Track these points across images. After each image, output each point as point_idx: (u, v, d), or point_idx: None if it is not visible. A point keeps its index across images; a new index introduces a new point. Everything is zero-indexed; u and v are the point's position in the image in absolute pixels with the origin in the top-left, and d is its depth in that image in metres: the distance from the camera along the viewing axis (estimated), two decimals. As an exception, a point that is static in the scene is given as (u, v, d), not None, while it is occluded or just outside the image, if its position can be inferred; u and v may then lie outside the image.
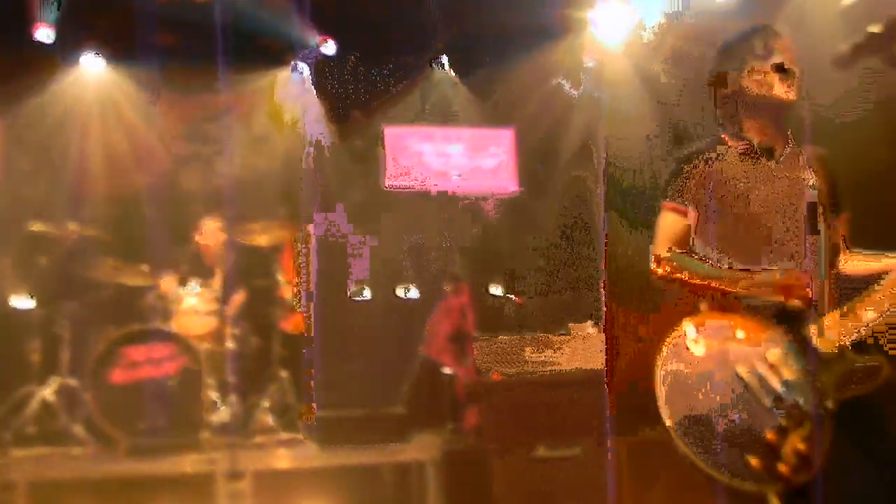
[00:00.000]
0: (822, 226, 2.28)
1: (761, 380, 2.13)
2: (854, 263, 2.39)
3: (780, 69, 2.31)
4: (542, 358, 4.86)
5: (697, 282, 2.32)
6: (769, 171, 2.38)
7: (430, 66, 7.22)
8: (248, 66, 6.90)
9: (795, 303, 2.17)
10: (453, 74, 7.18)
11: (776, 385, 2.11)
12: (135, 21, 6.41)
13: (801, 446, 2.01)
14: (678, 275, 2.35)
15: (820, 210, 2.30)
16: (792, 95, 2.33)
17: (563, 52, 6.64)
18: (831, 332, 2.13)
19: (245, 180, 7.05)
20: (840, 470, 2.03)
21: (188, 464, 4.47)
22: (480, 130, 7.32)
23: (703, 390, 2.17)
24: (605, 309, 4.91)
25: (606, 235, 4.90)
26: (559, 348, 4.90)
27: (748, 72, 2.36)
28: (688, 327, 2.28)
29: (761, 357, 2.15)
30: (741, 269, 2.29)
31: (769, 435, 2.05)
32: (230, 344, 5.21)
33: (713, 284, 2.30)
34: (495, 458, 4.51)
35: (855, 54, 1.86)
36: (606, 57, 6.40)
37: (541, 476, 4.51)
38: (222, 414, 4.90)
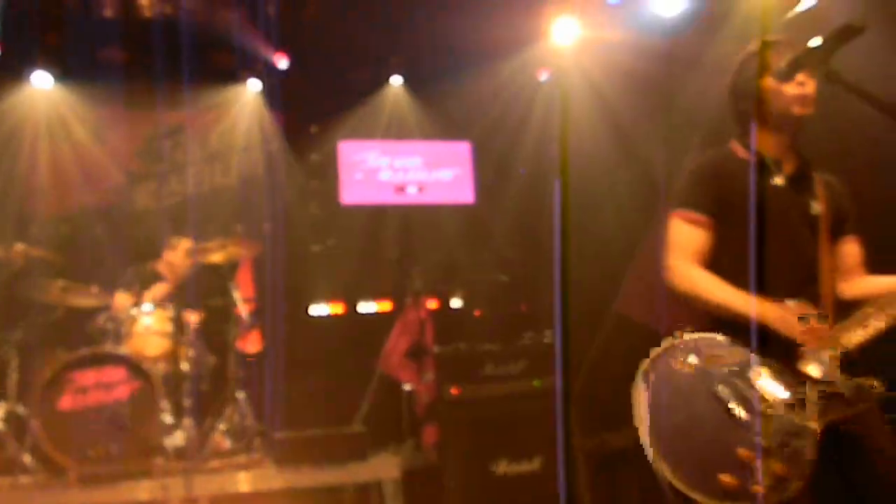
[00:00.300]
0: (822, 253, 2.28)
1: (742, 399, 2.10)
2: (867, 284, 2.37)
3: (797, 84, 2.25)
4: (502, 371, 4.85)
5: (719, 303, 2.26)
6: (776, 190, 2.33)
7: (387, 80, 7.22)
8: (203, 83, 6.83)
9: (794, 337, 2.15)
10: (409, 89, 7.18)
11: (757, 405, 2.08)
12: (85, 38, 6.32)
13: (778, 468, 1.96)
14: (695, 292, 2.29)
15: (823, 236, 2.29)
16: (806, 110, 2.28)
17: (518, 67, 6.68)
18: (823, 352, 2.11)
19: (200, 198, 6.97)
20: (818, 494, 2.02)
21: (142, 491, 4.36)
22: (437, 144, 7.33)
23: (682, 407, 2.13)
24: (560, 320, 4.92)
25: (561, 247, 4.91)
26: (518, 361, 4.89)
27: (764, 87, 2.31)
28: (671, 344, 2.24)
29: (744, 376, 2.12)
30: (754, 297, 2.21)
31: (745, 454, 2.00)
32: (185, 365, 5.10)
33: (732, 308, 2.23)
34: (455, 474, 4.48)
35: (794, 68, 1.89)
36: (561, 71, 6.46)
37: (501, 492, 4.49)
38: (177, 438, 4.79)
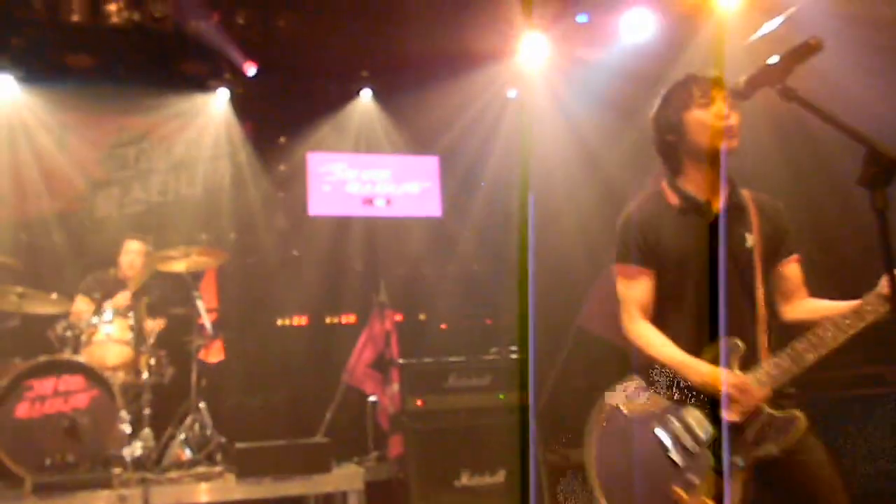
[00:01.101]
0: (758, 286, 2.28)
1: (676, 438, 2.19)
2: (807, 307, 2.35)
3: (719, 118, 2.27)
4: (467, 384, 4.87)
5: (663, 361, 2.29)
6: (705, 233, 2.32)
7: (356, 93, 7.24)
8: (170, 91, 6.79)
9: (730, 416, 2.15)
10: (378, 102, 7.21)
11: (689, 444, 2.16)
12: (51, 42, 6.25)
13: (707, 502, 2.06)
14: (644, 347, 2.34)
15: (757, 268, 2.30)
16: (732, 143, 2.28)
17: (487, 83, 6.76)
18: (765, 378, 2.15)
19: (164, 206, 6.91)
20: None
21: (99, 501, 4.27)
22: (405, 157, 7.36)
23: (625, 447, 2.24)
24: (530, 334, 4.96)
25: (529, 261, 4.95)
26: (483, 375, 4.92)
27: (688, 120, 2.32)
28: (618, 388, 2.35)
29: (679, 417, 2.21)
30: (691, 358, 2.26)
31: (678, 491, 2.10)
32: (146, 375, 5.03)
33: (674, 367, 2.27)
34: (419, 486, 4.48)
35: (751, 85, 1.95)
36: (528, 87, 6.55)
37: None
38: (136, 448, 4.71)
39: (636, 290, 2.38)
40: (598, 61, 5.88)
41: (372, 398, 5.29)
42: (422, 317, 6.97)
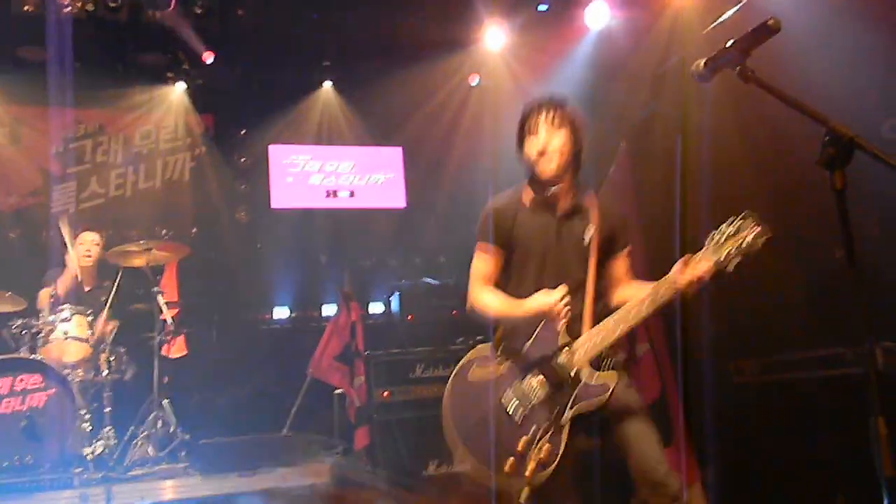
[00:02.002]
0: (591, 273, 2.64)
1: (517, 404, 2.55)
2: (628, 291, 2.66)
3: (538, 152, 2.62)
4: (433, 375, 4.86)
5: (496, 313, 2.69)
6: (553, 226, 2.69)
7: (318, 84, 7.17)
8: (127, 83, 6.65)
9: (555, 321, 2.51)
10: (340, 92, 7.15)
11: (527, 407, 2.53)
12: (3, 33, 6.07)
13: (542, 454, 2.43)
14: (482, 308, 2.71)
15: (593, 259, 2.65)
16: (549, 174, 2.63)
17: (449, 72, 6.74)
18: (582, 349, 2.51)
19: (122, 200, 6.78)
20: (569, 472, 2.50)
21: (61, 502, 4.18)
22: (369, 149, 7.32)
23: (478, 409, 2.60)
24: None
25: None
26: (450, 365, 4.90)
27: (523, 146, 2.69)
28: (469, 358, 2.72)
29: (517, 385, 2.58)
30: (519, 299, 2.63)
31: (521, 445, 2.47)
32: (106, 372, 4.93)
33: (505, 313, 2.66)
34: (386, 477, 4.46)
35: (711, 68, 1.95)
36: (490, 73, 6.54)
37: (431, 493, 4.49)
38: (97, 447, 4.62)
39: (483, 264, 2.75)
40: (559, 50, 5.89)
41: (338, 391, 5.25)
42: (388, 308, 6.93)
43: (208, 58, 6.55)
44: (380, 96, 6.73)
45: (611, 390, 2.46)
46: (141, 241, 5.32)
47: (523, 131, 2.70)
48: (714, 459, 3.72)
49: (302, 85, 7.10)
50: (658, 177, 4.82)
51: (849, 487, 3.34)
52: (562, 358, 2.54)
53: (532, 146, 2.66)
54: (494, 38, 6.35)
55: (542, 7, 6.03)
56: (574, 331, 2.57)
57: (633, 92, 5.23)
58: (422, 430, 4.65)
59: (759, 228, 2.33)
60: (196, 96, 6.84)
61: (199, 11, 6.08)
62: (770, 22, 1.79)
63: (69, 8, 5.95)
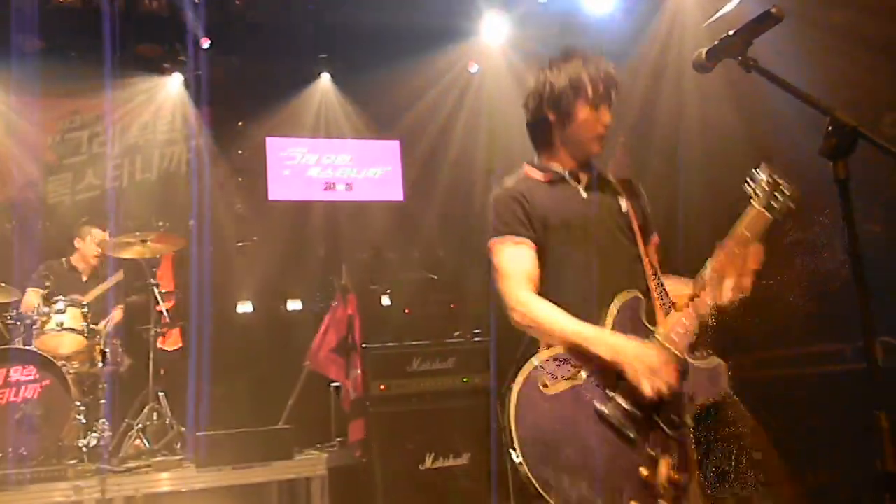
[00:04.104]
0: (641, 245, 2.26)
1: (621, 412, 1.97)
2: (668, 284, 2.26)
3: (589, 103, 2.23)
4: (430, 368, 4.84)
5: (555, 333, 2.10)
6: (581, 198, 2.28)
7: (316, 76, 7.13)
8: (125, 73, 6.60)
9: (646, 390, 1.97)
10: (337, 84, 7.11)
11: (636, 414, 1.97)
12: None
13: (674, 474, 1.90)
14: (543, 322, 2.12)
15: (638, 230, 2.27)
16: (599, 129, 2.25)
17: (448, 64, 6.70)
18: (673, 332, 2.05)
19: (119, 191, 6.74)
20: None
21: (55, 494, 4.15)
22: (367, 141, 7.28)
23: (563, 433, 1.93)
24: (492, 318, 4.94)
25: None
26: (447, 358, 4.89)
27: (576, 113, 2.25)
28: (536, 364, 2.06)
29: (613, 387, 2.00)
30: (591, 327, 2.09)
31: (643, 471, 1.90)
32: (101, 364, 4.90)
33: (568, 339, 2.07)
34: (382, 470, 4.44)
35: (712, 57, 1.93)
36: (489, 65, 6.51)
37: (428, 487, 4.47)
38: (91, 438, 4.60)
39: (523, 260, 2.19)
40: (559, 40, 5.85)
41: (335, 383, 5.23)
42: (385, 301, 6.91)
43: (205, 42, 6.50)
44: (378, 88, 6.69)
45: (728, 373, 2.05)
46: (137, 233, 5.30)
47: (583, 92, 2.24)
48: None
49: (299, 77, 7.06)
50: (658, 171, 4.80)
51: (846, 482, 3.33)
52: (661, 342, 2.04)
53: (591, 124, 2.25)
54: (494, 29, 6.31)
55: (542, -1, 6.00)
56: (649, 311, 2.14)
57: (632, 85, 5.20)
58: (419, 422, 4.63)
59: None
60: (193, 88, 6.79)
61: (196, 1, 6.05)
62: (773, 10, 1.77)
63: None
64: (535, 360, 2.03)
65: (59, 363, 4.66)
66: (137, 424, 4.89)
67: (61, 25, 6.13)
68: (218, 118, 6.98)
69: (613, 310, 2.10)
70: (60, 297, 5.00)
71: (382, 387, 4.67)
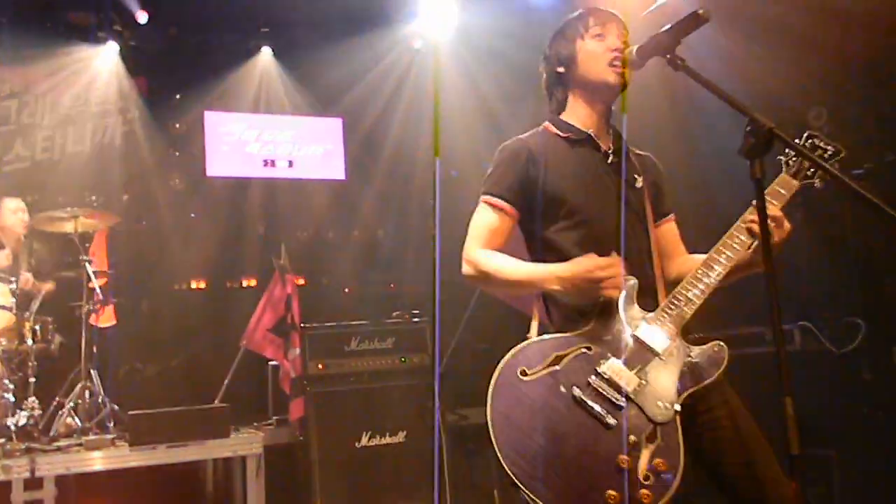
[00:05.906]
0: (652, 230, 2.21)
1: (601, 397, 1.89)
2: (689, 265, 2.16)
3: (610, 50, 2.17)
4: (369, 347, 4.88)
5: (507, 278, 2.09)
6: (597, 163, 2.21)
7: (256, 49, 7.00)
8: (55, 41, 6.38)
9: (610, 292, 1.98)
10: (279, 59, 7.00)
11: (617, 399, 1.88)
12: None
13: (657, 462, 1.80)
14: (493, 272, 2.10)
15: (649, 210, 2.22)
16: (620, 80, 2.16)
17: (392, 42, 6.67)
18: (667, 317, 2.00)
19: (50, 164, 6.54)
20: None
21: (-19, 473, 4.07)
22: (308, 118, 7.21)
23: (540, 420, 1.86)
24: (435, 299, 4.98)
25: (436, 226, 4.95)
26: (386, 339, 4.93)
27: (580, 49, 2.21)
28: (517, 353, 1.97)
29: (594, 372, 1.93)
30: (542, 266, 2.09)
31: (622, 459, 1.80)
32: (31, 341, 4.78)
33: (524, 280, 2.08)
34: (319, 448, 4.48)
35: (642, 55, 2.00)
36: (434, 44, 6.50)
37: (364, 465, 4.53)
38: (20, 417, 4.50)
39: (491, 222, 2.18)
40: (503, 25, 5.90)
41: (273, 363, 5.22)
42: (325, 281, 6.91)
43: (141, 17, 6.33)
44: (320, 64, 6.62)
45: (727, 355, 1.95)
46: (68, 208, 5.17)
47: (583, 29, 2.22)
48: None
49: (239, 50, 6.90)
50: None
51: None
52: (645, 328, 1.98)
53: (597, 54, 2.18)
54: (438, 9, 6.29)
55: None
56: (646, 302, 2.05)
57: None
58: (357, 401, 4.68)
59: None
60: (128, 58, 6.60)
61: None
62: (700, 11, 1.84)
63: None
64: (514, 349, 1.97)
65: (-13, 340, 4.54)
66: (69, 403, 4.80)
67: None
68: (155, 90, 6.80)
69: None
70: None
71: (321, 366, 4.69)
